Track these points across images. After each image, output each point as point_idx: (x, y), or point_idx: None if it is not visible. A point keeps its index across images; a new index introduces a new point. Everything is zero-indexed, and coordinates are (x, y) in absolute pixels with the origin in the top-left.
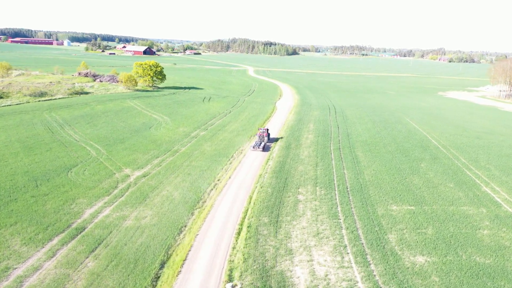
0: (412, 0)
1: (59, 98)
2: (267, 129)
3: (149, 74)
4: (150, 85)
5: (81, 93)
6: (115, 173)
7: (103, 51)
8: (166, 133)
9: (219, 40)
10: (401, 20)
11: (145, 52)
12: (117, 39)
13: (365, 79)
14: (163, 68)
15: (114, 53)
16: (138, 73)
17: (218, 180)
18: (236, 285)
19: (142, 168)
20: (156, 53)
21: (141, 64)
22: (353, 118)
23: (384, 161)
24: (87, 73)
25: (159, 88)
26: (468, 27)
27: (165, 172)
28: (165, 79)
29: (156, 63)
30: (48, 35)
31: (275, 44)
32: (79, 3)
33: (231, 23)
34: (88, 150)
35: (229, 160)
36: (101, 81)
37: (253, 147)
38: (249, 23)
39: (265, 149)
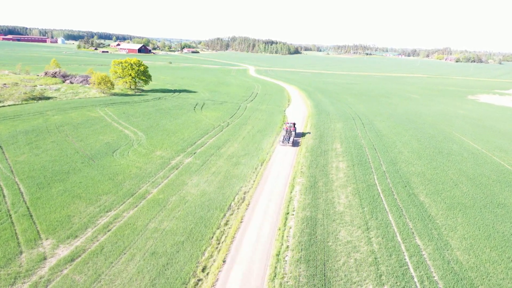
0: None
1: (8, 106)
2: (294, 123)
3: (130, 75)
4: (131, 87)
5: (41, 98)
6: (22, 252)
7: (96, 49)
8: (135, 160)
9: (218, 39)
10: (403, 19)
11: (140, 50)
12: (114, 37)
13: (377, 79)
14: (147, 67)
15: (107, 51)
16: (116, 73)
17: (203, 271)
18: None
19: (76, 237)
20: (151, 51)
21: (121, 62)
22: (388, 133)
23: (471, 216)
24: (55, 73)
25: (143, 91)
26: (472, 27)
27: (112, 248)
28: (150, 80)
29: (139, 61)
30: (43, 32)
31: (277, 42)
32: (77, 1)
33: (231, 21)
34: (1, 195)
35: (225, 216)
36: (71, 82)
37: (282, 142)
38: (249, 21)
39: (294, 144)
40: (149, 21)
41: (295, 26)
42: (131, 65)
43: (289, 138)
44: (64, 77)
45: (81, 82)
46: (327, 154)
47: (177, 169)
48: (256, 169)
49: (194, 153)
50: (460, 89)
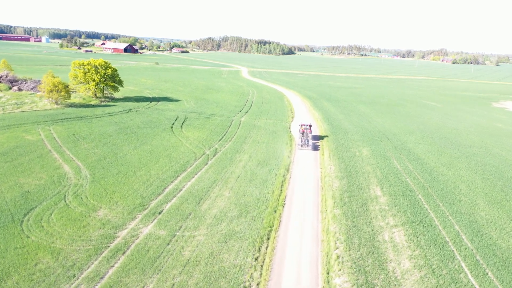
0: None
1: None
2: (310, 125)
3: (94, 80)
4: (97, 95)
5: None
6: None
7: (79, 48)
8: (56, 233)
9: (209, 38)
10: (396, 20)
11: (126, 50)
12: (103, 36)
13: (381, 82)
14: (116, 70)
15: (91, 51)
16: (77, 77)
17: None
18: None
19: None
20: (138, 51)
21: (82, 64)
22: (436, 164)
23: None
24: (0, 77)
25: (112, 100)
26: (466, 28)
27: None
28: (121, 85)
29: (106, 62)
30: (28, 31)
31: (270, 42)
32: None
33: (223, 20)
34: None
35: None
36: (20, 89)
37: (301, 145)
38: (242, 21)
39: (315, 148)
40: (139, 20)
41: (288, 26)
42: (96, 67)
43: (308, 141)
44: (12, 82)
45: (32, 88)
46: (367, 210)
47: (124, 253)
48: (260, 250)
49: (160, 213)
50: (477, 94)
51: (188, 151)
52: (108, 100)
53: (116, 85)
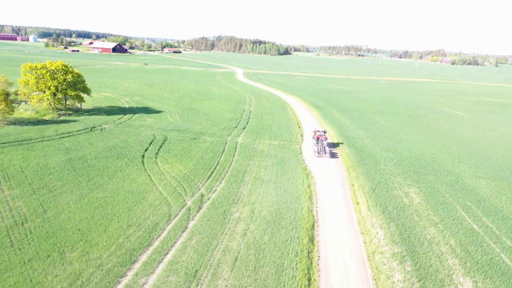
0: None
1: None
2: (325, 131)
3: (49, 88)
4: (56, 107)
5: None
6: None
7: (65, 47)
8: None
9: (203, 38)
10: (391, 21)
11: (114, 50)
12: (94, 35)
13: (387, 85)
14: (80, 75)
15: (78, 50)
16: (28, 84)
17: None
18: None
19: None
20: (128, 51)
21: (35, 68)
22: None
23: None
24: None
25: (76, 112)
26: (463, 29)
27: None
28: (88, 94)
29: (65, 66)
30: (17, 30)
31: (265, 42)
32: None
33: (217, 20)
34: None
35: None
36: None
37: (318, 153)
38: (236, 20)
39: (332, 155)
40: (132, 20)
41: (283, 26)
42: (52, 72)
43: (324, 148)
44: None
45: None
46: None
47: None
48: None
49: None
50: (498, 100)
51: (160, 202)
52: (70, 112)
53: (79, 94)
